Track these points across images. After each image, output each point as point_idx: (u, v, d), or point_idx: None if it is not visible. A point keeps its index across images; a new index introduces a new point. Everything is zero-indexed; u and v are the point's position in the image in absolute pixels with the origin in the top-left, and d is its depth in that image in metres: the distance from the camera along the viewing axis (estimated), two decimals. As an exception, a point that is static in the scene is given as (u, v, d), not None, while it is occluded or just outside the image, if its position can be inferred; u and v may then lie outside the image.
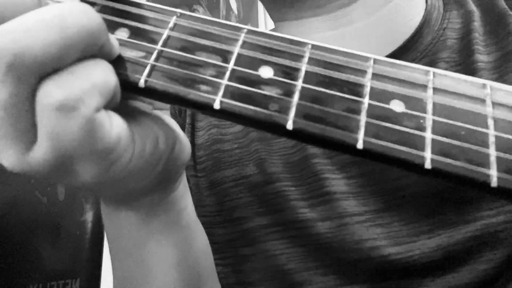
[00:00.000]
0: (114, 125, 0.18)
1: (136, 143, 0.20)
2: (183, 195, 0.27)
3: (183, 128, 0.42)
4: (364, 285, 0.31)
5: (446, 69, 0.34)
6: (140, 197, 0.24)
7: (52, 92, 0.16)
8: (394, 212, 0.31)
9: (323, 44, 0.20)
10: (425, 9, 0.37)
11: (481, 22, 0.36)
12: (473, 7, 0.37)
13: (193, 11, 1.13)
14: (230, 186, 0.38)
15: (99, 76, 0.17)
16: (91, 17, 0.16)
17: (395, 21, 0.36)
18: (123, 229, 0.26)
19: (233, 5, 1.33)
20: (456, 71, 0.34)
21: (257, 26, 1.45)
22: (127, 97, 0.21)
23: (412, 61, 0.35)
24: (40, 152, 0.17)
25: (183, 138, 0.24)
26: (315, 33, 0.37)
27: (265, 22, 1.47)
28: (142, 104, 0.23)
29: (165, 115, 0.23)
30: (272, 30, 0.44)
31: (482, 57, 0.34)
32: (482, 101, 0.18)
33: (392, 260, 0.31)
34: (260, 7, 1.48)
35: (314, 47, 0.19)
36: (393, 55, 0.35)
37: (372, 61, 0.19)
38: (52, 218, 0.71)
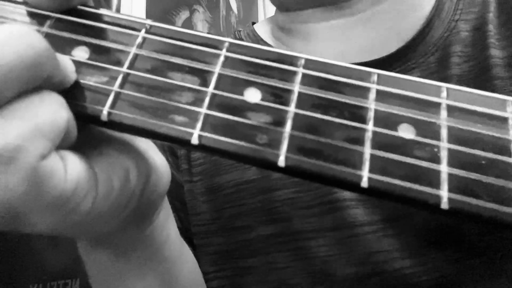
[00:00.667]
0: (69, 170, 0.15)
1: (100, 184, 0.17)
2: (164, 226, 0.24)
3: None
4: None
5: (458, 64, 0.32)
6: (113, 236, 0.21)
7: None
8: (404, 221, 0.29)
9: (319, 58, 0.17)
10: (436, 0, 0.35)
11: (496, 12, 0.33)
12: None
13: (193, 11, 1.09)
14: (231, 192, 0.35)
15: (44, 116, 0.14)
16: (33, 43, 0.13)
17: (403, 11, 0.34)
18: (100, 265, 0.24)
19: (233, 5, 1.30)
20: (470, 66, 0.32)
21: None
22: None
23: (425, 55, 0.33)
24: None
25: (160, 164, 0.21)
26: (319, 22, 0.35)
27: None
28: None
29: (137, 139, 0.20)
30: (273, 17, 0.41)
31: (497, 52, 0.31)
32: (504, 121, 0.16)
33: (405, 274, 0.29)
34: (260, 7, 1.45)
35: (308, 62, 0.17)
36: (403, 49, 0.34)
37: (376, 77, 0.16)
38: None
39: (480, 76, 0.31)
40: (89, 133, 0.17)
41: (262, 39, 0.40)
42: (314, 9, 0.35)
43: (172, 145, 0.39)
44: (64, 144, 0.15)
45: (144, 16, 0.95)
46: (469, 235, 0.28)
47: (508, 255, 0.28)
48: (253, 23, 0.43)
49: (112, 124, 0.15)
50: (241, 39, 0.41)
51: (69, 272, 0.69)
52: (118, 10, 0.95)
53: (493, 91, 0.30)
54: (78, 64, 0.16)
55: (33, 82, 0.14)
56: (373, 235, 0.30)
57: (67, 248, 0.70)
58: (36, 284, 0.66)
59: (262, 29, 0.42)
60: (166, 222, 0.25)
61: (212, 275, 0.35)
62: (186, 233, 0.37)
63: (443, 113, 0.16)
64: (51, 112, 0.14)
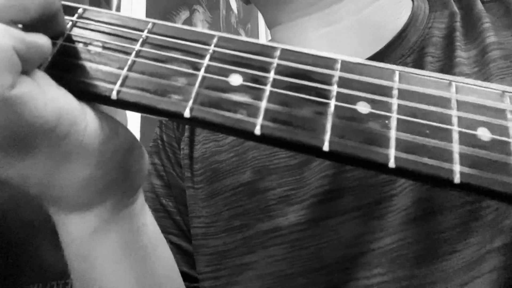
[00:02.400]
0: (50, 96, 0.17)
1: (90, 118, 0.19)
2: (139, 214, 0.26)
3: (180, 141, 0.43)
4: (371, 280, 0.32)
5: (431, 63, 0.36)
6: (92, 203, 0.23)
7: None
8: (388, 203, 0.33)
9: (293, 47, 0.20)
10: (411, 10, 0.40)
11: (461, 22, 0.38)
12: (455, 8, 0.40)
13: (193, 11, 1.12)
14: (230, 195, 0.38)
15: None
16: None
17: (383, 19, 0.38)
18: (76, 244, 0.25)
19: (233, 5, 1.33)
20: (439, 65, 0.36)
21: (257, 26, 1.47)
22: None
23: (402, 56, 0.37)
24: None
25: (143, 148, 0.24)
26: (310, 32, 0.39)
27: (265, 22, 1.47)
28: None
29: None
30: (270, 39, 0.45)
31: (462, 53, 0.36)
32: (447, 100, 0.19)
33: (388, 250, 0.32)
34: None
35: (283, 51, 0.20)
36: (382, 51, 0.37)
37: (339, 64, 0.20)
38: (52, 218, 0.72)
39: (448, 72, 0.35)
40: None
41: None
42: (306, 17, 0.39)
43: (177, 156, 0.43)
44: (31, 63, 0.17)
45: (144, 16, 0.98)
46: (443, 209, 0.31)
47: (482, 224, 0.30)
48: None
49: (121, 101, 0.18)
50: None
51: (69, 272, 0.71)
52: (118, 10, 0.98)
53: (457, 86, 0.34)
54: (93, 54, 0.19)
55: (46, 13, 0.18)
56: (359, 219, 0.33)
57: None
58: (36, 284, 0.66)
59: None
60: (142, 211, 0.27)
61: (208, 275, 0.38)
62: (190, 235, 0.41)
63: (395, 92, 0.19)
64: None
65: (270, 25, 0.43)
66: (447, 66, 0.36)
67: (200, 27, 1.15)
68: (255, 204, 0.36)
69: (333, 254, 0.33)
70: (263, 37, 1.46)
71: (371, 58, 0.37)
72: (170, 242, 0.41)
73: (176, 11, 1.07)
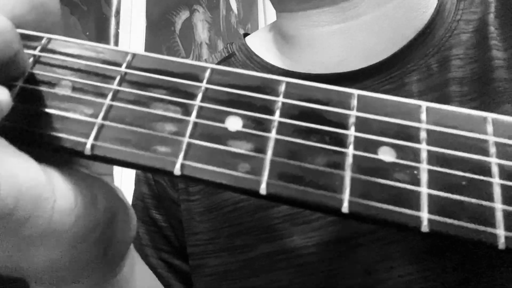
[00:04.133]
0: (4, 175, 0.14)
1: (59, 194, 0.16)
2: (128, 279, 0.24)
3: None
4: None
5: (460, 66, 0.32)
6: (69, 282, 0.19)
7: None
8: None
9: (299, 81, 0.17)
10: (438, 0, 0.35)
11: (497, 13, 0.33)
12: None
13: (193, 11, 1.10)
14: (229, 210, 0.35)
15: None
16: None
17: (406, 14, 0.34)
18: None
19: (233, 5, 1.31)
20: (472, 68, 0.32)
21: (257, 26, 1.45)
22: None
23: (424, 56, 0.33)
24: None
25: (130, 209, 0.21)
26: (321, 27, 0.35)
27: (265, 22, 1.45)
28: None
29: (110, 180, 0.20)
30: (275, 23, 0.41)
31: (499, 54, 0.31)
32: (484, 142, 0.16)
33: (407, 281, 0.29)
34: (260, 7, 1.45)
35: (288, 85, 0.17)
36: (402, 50, 0.34)
37: (355, 100, 0.17)
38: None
39: (482, 78, 0.31)
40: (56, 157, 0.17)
41: (254, 53, 0.40)
42: (318, 10, 0.35)
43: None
44: None
45: (144, 16, 0.95)
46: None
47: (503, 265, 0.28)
48: (245, 35, 0.43)
49: (96, 156, 0.15)
50: (233, 52, 0.41)
51: None
52: (118, 11, 0.95)
53: (495, 93, 0.30)
54: (61, 98, 0.16)
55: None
56: (375, 243, 0.30)
57: None
58: None
59: (256, 41, 0.42)
60: (132, 274, 0.24)
61: None
62: (183, 251, 0.38)
63: (423, 134, 0.16)
64: None
65: (277, 9, 0.39)
66: (481, 70, 0.31)
67: (200, 27, 1.12)
68: (258, 223, 0.33)
69: (346, 283, 0.30)
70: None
71: (390, 58, 0.34)
72: (161, 259, 0.39)
73: (176, 11, 1.05)
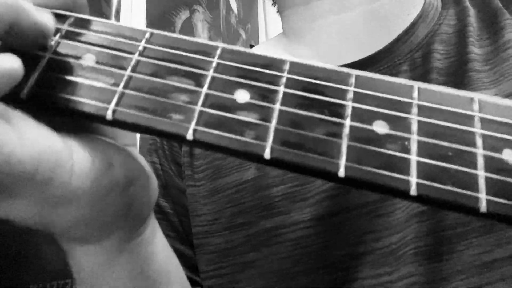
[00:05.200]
0: (26, 142, 0.15)
1: (77, 157, 0.17)
2: (149, 241, 0.25)
3: None
4: (377, 279, 0.32)
5: (439, 60, 0.36)
6: (93, 239, 0.22)
7: None
8: (394, 200, 0.33)
9: (302, 61, 0.19)
10: (422, 7, 0.39)
11: (475, 18, 0.38)
12: (468, 5, 0.39)
13: (193, 11, 1.11)
14: (232, 192, 0.38)
15: None
16: None
17: (394, 12, 0.38)
18: (84, 272, 0.24)
19: (233, 5, 1.33)
20: (449, 62, 0.36)
21: (257, 26, 1.46)
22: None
23: (410, 52, 0.37)
24: None
25: (152, 176, 0.23)
26: (321, 19, 0.39)
27: (265, 22, 1.47)
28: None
29: (133, 148, 0.22)
30: (280, 34, 0.44)
31: (475, 49, 0.36)
32: (470, 117, 0.18)
33: (394, 249, 0.32)
34: (260, 7, 1.47)
35: (292, 64, 0.19)
36: (390, 46, 0.37)
37: (353, 78, 0.19)
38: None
39: (458, 69, 0.35)
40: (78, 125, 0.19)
41: None
42: (318, 4, 0.38)
43: (174, 154, 0.42)
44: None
45: (144, 16, 0.97)
46: None
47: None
48: (251, 46, 0.48)
49: (116, 121, 0.17)
50: None
51: (69, 272, 0.71)
52: (118, 11, 0.97)
53: (470, 81, 0.35)
54: (86, 68, 0.18)
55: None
56: (365, 217, 0.33)
57: None
58: (36, 284, 0.67)
59: (261, 48, 0.46)
60: (154, 238, 0.26)
61: (210, 274, 0.38)
62: (186, 237, 0.40)
63: (414, 110, 0.18)
64: None
65: (282, 8, 0.43)
66: (458, 62, 0.36)
67: (200, 27, 1.14)
68: (258, 202, 0.36)
69: (338, 253, 0.33)
70: (263, 37, 1.46)
71: (378, 53, 0.37)
72: None
73: (176, 11, 1.07)
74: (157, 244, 0.27)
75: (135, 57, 0.18)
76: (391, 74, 0.36)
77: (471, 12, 0.38)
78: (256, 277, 0.35)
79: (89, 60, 0.18)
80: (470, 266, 0.30)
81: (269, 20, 1.46)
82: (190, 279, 0.38)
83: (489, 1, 0.39)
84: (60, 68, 0.18)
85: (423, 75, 0.36)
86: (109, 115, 0.17)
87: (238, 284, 0.36)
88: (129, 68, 0.18)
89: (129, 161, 0.21)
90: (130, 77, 0.18)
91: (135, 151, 0.23)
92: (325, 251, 0.33)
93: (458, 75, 0.35)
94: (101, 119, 0.17)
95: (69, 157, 0.17)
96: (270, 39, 0.48)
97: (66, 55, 0.18)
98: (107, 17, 0.95)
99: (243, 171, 0.38)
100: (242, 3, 1.39)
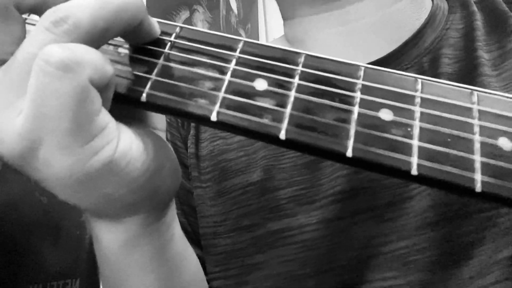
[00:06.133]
0: (103, 112, 0.19)
1: (122, 139, 0.20)
2: (170, 225, 0.27)
3: (186, 139, 0.44)
4: (383, 282, 0.32)
5: (448, 64, 0.37)
6: (119, 217, 0.23)
7: (52, 51, 0.17)
8: (402, 205, 0.33)
9: (316, 54, 0.21)
10: (430, 11, 0.40)
11: (483, 22, 0.39)
12: (475, 9, 0.40)
13: (193, 11, 1.13)
14: (239, 194, 0.39)
15: (99, 57, 0.18)
16: None
17: (402, 19, 0.39)
18: (106, 253, 0.26)
19: (233, 5, 1.35)
20: (459, 66, 0.37)
21: (257, 26, 1.48)
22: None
23: (417, 56, 0.38)
24: (21, 120, 0.17)
25: (177, 164, 0.24)
26: (327, 29, 0.39)
27: (265, 22, 1.49)
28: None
29: (162, 134, 0.24)
30: (282, 36, 0.46)
31: (484, 54, 0.36)
32: (469, 109, 0.20)
33: (402, 254, 0.32)
34: (260, 7, 1.48)
35: (307, 57, 0.21)
36: (397, 51, 0.38)
37: (362, 71, 0.21)
38: (52, 218, 0.72)
39: (469, 74, 0.36)
40: (118, 110, 0.21)
41: None
42: (327, 13, 0.39)
43: (181, 156, 0.44)
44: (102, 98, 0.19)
45: None
46: (460, 215, 0.32)
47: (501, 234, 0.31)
48: None
49: (150, 103, 0.19)
50: None
51: (69, 272, 0.70)
52: None
53: (480, 86, 0.36)
54: (124, 57, 0.20)
55: (132, 22, 0.19)
56: (372, 220, 0.34)
57: (67, 248, 0.71)
58: (36, 284, 0.66)
59: None
60: (173, 222, 0.28)
61: (217, 275, 0.39)
62: (195, 236, 0.41)
63: (417, 100, 0.20)
64: (103, 59, 0.18)
65: (285, 17, 0.44)
66: (468, 67, 0.36)
67: (200, 27, 1.17)
68: (265, 204, 0.37)
69: (344, 256, 0.34)
70: (263, 37, 1.47)
71: (386, 57, 0.38)
72: None
73: (176, 11, 1.08)
74: (176, 230, 0.28)
75: (167, 48, 0.21)
76: None
77: (478, 16, 0.39)
78: (263, 279, 0.36)
79: (124, 49, 0.21)
80: (487, 265, 0.30)
81: (269, 20, 1.47)
82: None
83: (496, 5, 0.39)
84: None
85: None
86: (143, 98, 0.19)
87: (245, 285, 0.37)
88: (162, 58, 0.21)
89: (160, 147, 0.23)
90: (162, 65, 0.20)
91: (164, 136, 0.25)
92: (332, 254, 0.34)
93: (469, 80, 0.35)
94: (137, 102, 0.20)
95: (118, 137, 0.20)
96: (272, 43, 0.49)
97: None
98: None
99: (249, 173, 0.39)
100: (242, 3, 1.40)
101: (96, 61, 0.18)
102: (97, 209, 0.22)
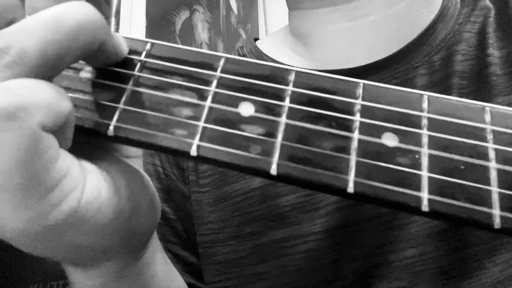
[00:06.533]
0: (62, 156, 0.16)
1: (88, 184, 0.17)
2: (149, 264, 0.25)
3: None
4: None
5: (461, 61, 0.35)
6: (95, 262, 0.21)
7: None
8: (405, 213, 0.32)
9: (307, 71, 0.19)
10: (442, 4, 0.38)
11: (494, 18, 0.37)
12: (488, 3, 0.38)
13: (193, 11, 1.12)
14: (240, 200, 0.37)
15: (51, 95, 0.15)
16: (88, 13, 0.16)
17: (412, 16, 0.37)
18: None
19: (233, 5, 1.33)
20: (471, 65, 0.35)
21: (257, 26, 1.46)
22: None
23: (428, 54, 0.36)
24: None
25: (155, 198, 0.22)
26: (329, 25, 0.38)
27: (265, 22, 1.47)
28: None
29: (138, 163, 0.22)
30: (286, 26, 0.43)
31: (494, 52, 0.35)
32: (482, 130, 0.18)
33: (409, 264, 0.31)
34: (260, 7, 1.46)
35: (298, 74, 0.18)
36: (406, 49, 0.36)
37: (361, 88, 0.18)
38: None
39: (479, 73, 0.34)
40: (83, 142, 0.18)
41: (265, 54, 0.42)
42: (331, 8, 0.37)
43: (177, 158, 0.41)
44: (59, 140, 0.16)
45: (144, 16, 0.97)
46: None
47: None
48: (255, 39, 0.46)
49: (118, 138, 0.17)
50: (243, 55, 0.44)
51: None
52: (118, 10, 0.97)
53: (491, 86, 0.33)
54: (86, 82, 0.18)
55: (92, 45, 0.16)
56: (378, 228, 0.32)
57: None
58: (36, 284, 0.67)
59: (266, 43, 0.44)
60: (153, 259, 0.25)
61: (216, 285, 0.37)
62: (190, 243, 0.39)
63: (424, 122, 0.18)
64: (58, 95, 0.16)
65: (290, 7, 0.42)
66: (479, 65, 0.34)
67: (200, 27, 1.14)
68: (267, 211, 0.35)
69: (350, 265, 0.32)
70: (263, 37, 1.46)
71: (394, 55, 0.36)
72: (169, 251, 0.40)
73: (176, 11, 1.07)
74: (157, 265, 0.26)
75: (136, 69, 0.18)
76: (408, 78, 0.35)
77: (491, 11, 0.37)
78: None
79: (88, 72, 0.18)
80: (496, 281, 0.29)
81: (269, 20, 1.46)
82: (194, 286, 0.38)
83: (507, 1, 0.37)
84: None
85: (443, 79, 0.34)
86: (110, 132, 0.17)
87: None
88: (130, 82, 0.18)
89: (135, 184, 0.20)
90: (131, 91, 0.18)
91: (140, 164, 0.22)
92: (338, 263, 0.33)
93: (480, 79, 0.34)
94: (104, 136, 0.17)
95: (83, 182, 0.17)
96: (275, 34, 0.46)
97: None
98: (107, 17, 0.95)
99: (250, 178, 0.37)
100: (242, 3, 1.39)
101: (48, 101, 0.15)
102: (66, 259, 0.20)
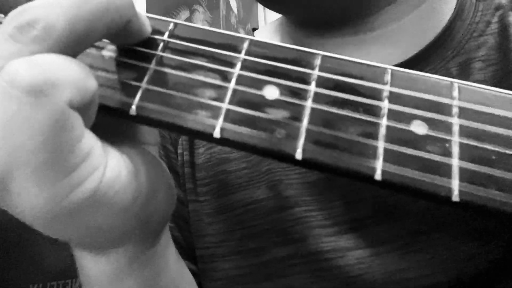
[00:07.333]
0: (86, 136, 0.16)
1: (109, 165, 0.17)
2: (162, 253, 0.24)
3: (176, 142, 0.39)
4: None
5: (482, 68, 0.32)
6: (105, 249, 0.20)
7: (18, 69, 0.14)
8: (426, 236, 0.30)
9: (335, 54, 0.18)
10: (457, 2, 0.35)
11: None
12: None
13: (193, 11, 1.12)
14: (240, 212, 0.35)
15: (79, 71, 0.15)
16: None
17: (423, 25, 0.34)
18: (93, 284, 0.23)
19: (233, 5, 1.33)
20: (493, 71, 0.32)
21: (257, 26, 1.46)
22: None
23: (443, 60, 0.33)
24: None
25: (172, 185, 0.21)
26: (334, 38, 0.35)
27: (265, 22, 1.47)
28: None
29: (154, 151, 0.21)
30: (283, 27, 0.42)
31: None
32: None
33: (427, 286, 0.29)
34: (260, 7, 1.47)
35: (324, 58, 0.18)
36: (420, 55, 0.33)
37: (389, 75, 0.18)
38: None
39: (503, 81, 0.31)
40: (104, 125, 0.18)
41: None
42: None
43: (170, 160, 0.39)
44: (83, 117, 0.16)
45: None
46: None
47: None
48: (254, 30, 0.44)
49: (140, 117, 0.17)
50: None
51: (69, 272, 0.71)
52: None
53: None
54: (108, 61, 0.17)
55: (117, 23, 0.16)
56: (395, 252, 0.30)
57: (67, 248, 0.72)
58: (36, 284, 0.69)
59: (264, 33, 0.43)
60: (164, 253, 0.25)
61: None
62: (190, 252, 0.37)
63: (455, 110, 0.17)
64: (85, 73, 0.15)
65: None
66: (502, 71, 0.32)
67: None
68: (271, 225, 0.33)
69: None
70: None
71: (408, 61, 0.33)
72: None
73: (176, 11, 1.08)
74: (170, 257, 0.26)
75: (159, 49, 0.18)
76: None
77: (508, 8, 0.34)
78: None
79: (110, 51, 0.18)
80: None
81: (269, 20, 1.46)
82: None
83: None
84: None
85: None
86: (132, 111, 0.17)
87: None
88: (153, 61, 0.17)
89: (153, 169, 0.20)
90: (153, 71, 0.17)
91: (156, 152, 0.22)
92: (351, 286, 0.30)
93: (505, 88, 0.32)
94: (125, 115, 0.17)
95: (104, 164, 0.17)
96: (272, 24, 0.43)
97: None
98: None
99: (252, 188, 0.35)
100: (242, 3, 1.39)
101: (76, 78, 0.15)
102: (82, 241, 0.20)
